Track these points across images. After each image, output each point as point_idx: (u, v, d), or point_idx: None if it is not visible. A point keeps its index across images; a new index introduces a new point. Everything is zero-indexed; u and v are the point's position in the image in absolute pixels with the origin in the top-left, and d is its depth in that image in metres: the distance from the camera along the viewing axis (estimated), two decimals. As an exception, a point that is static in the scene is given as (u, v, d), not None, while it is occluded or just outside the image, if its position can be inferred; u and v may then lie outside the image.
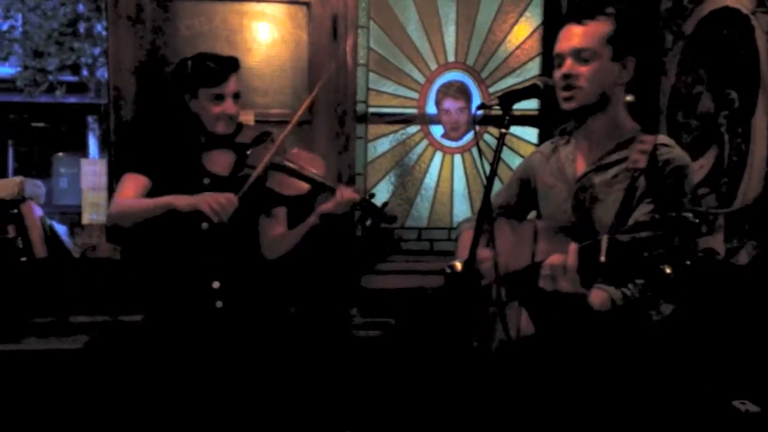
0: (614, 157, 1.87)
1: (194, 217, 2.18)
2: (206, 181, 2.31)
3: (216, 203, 2.12)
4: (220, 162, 2.36)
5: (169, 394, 2.28)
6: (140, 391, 2.35)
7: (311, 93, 2.44)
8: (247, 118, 3.15)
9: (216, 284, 2.30)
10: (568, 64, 1.82)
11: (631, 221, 1.71)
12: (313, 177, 2.29)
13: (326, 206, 2.28)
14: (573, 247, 1.61)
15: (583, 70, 1.81)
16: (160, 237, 2.33)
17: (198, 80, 2.30)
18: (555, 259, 1.63)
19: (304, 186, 2.30)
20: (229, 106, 2.31)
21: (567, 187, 1.95)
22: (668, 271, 1.58)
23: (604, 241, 1.51)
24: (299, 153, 2.38)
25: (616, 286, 1.72)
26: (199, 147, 2.37)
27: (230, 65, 2.33)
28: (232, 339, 2.30)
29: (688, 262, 1.58)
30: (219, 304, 2.30)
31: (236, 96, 2.34)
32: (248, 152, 2.34)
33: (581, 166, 1.93)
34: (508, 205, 2.17)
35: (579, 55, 1.81)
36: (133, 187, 2.30)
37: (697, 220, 1.39)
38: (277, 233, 2.43)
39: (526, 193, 2.15)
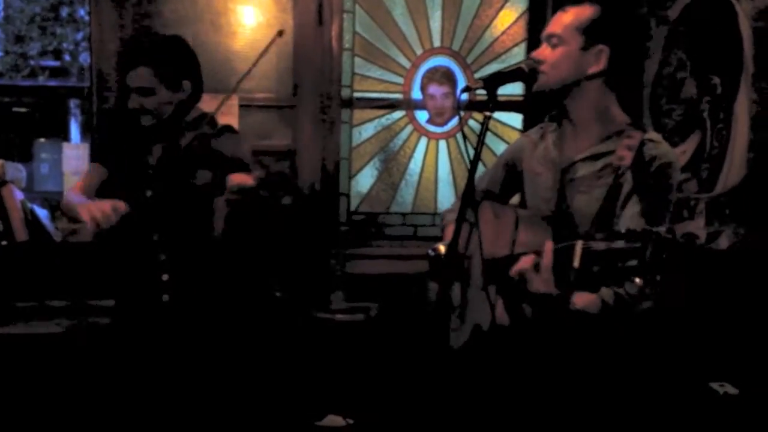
0: (602, 148, 1.83)
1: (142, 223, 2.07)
2: (150, 171, 2.18)
3: (98, 211, 1.94)
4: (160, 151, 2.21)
5: (137, 386, 2.20)
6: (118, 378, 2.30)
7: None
8: (231, 102, 3.14)
9: (165, 277, 2.18)
10: (541, 48, 1.84)
11: (621, 222, 1.71)
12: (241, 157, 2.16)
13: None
14: (549, 246, 1.61)
15: (549, 54, 1.82)
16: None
17: (121, 66, 2.14)
18: (526, 262, 1.62)
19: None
20: (132, 100, 2.13)
21: (552, 175, 1.92)
22: (638, 281, 1.59)
23: (579, 247, 1.50)
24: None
25: (589, 291, 1.72)
26: (141, 136, 2.22)
27: (140, 55, 2.12)
28: (181, 333, 2.19)
29: (659, 278, 1.59)
30: (165, 297, 2.17)
31: (141, 91, 2.11)
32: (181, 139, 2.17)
33: (567, 155, 1.91)
34: (493, 188, 2.16)
35: (549, 40, 1.82)
36: (87, 178, 2.23)
37: (670, 236, 1.39)
38: None
39: (511, 178, 2.12)
